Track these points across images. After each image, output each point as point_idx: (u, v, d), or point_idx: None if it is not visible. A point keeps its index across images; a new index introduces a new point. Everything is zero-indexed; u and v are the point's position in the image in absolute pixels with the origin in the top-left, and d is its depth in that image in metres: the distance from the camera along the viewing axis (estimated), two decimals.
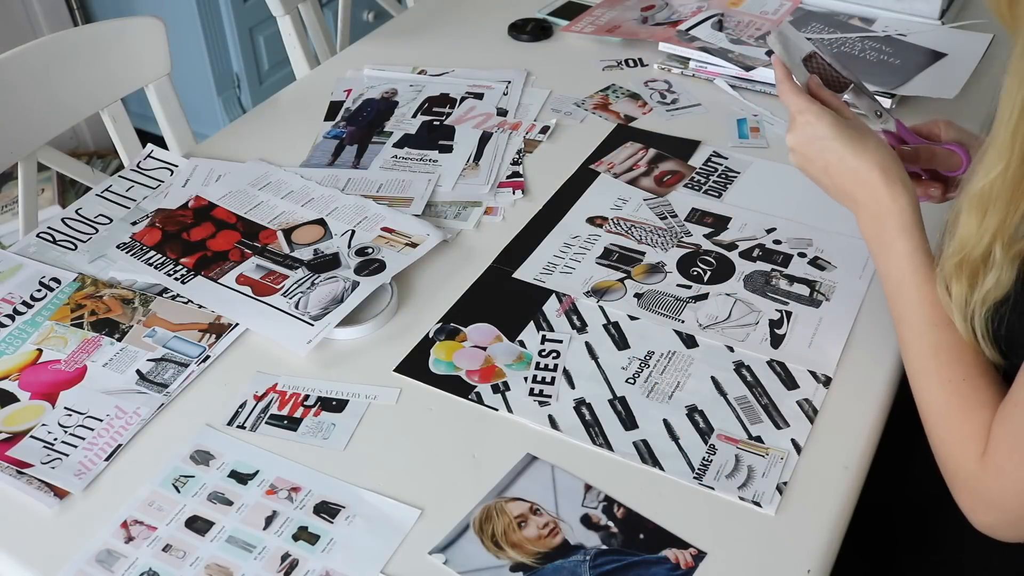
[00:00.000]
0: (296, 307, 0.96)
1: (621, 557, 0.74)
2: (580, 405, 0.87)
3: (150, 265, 1.03)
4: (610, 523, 0.76)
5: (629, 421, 0.85)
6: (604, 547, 0.75)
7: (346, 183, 1.15)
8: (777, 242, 1.06)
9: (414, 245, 1.02)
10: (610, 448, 0.83)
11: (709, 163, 1.19)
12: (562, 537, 0.75)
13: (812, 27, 1.47)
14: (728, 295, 0.99)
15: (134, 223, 1.10)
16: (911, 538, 0.93)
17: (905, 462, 0.91)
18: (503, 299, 0.99)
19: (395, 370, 0.91)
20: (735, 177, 1.17)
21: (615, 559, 0.74)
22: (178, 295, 0.99)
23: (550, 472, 0.81)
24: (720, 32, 1.45)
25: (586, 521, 0.77)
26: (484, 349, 0.93)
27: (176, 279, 1.01)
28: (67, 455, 0.83)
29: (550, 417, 0.85)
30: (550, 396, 0.88)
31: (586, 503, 0.78)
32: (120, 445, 0.84)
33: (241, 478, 0.81)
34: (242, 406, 0.87)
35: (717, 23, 1.47)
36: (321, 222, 1.08)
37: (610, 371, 0.90)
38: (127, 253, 1.05)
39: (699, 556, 0.74)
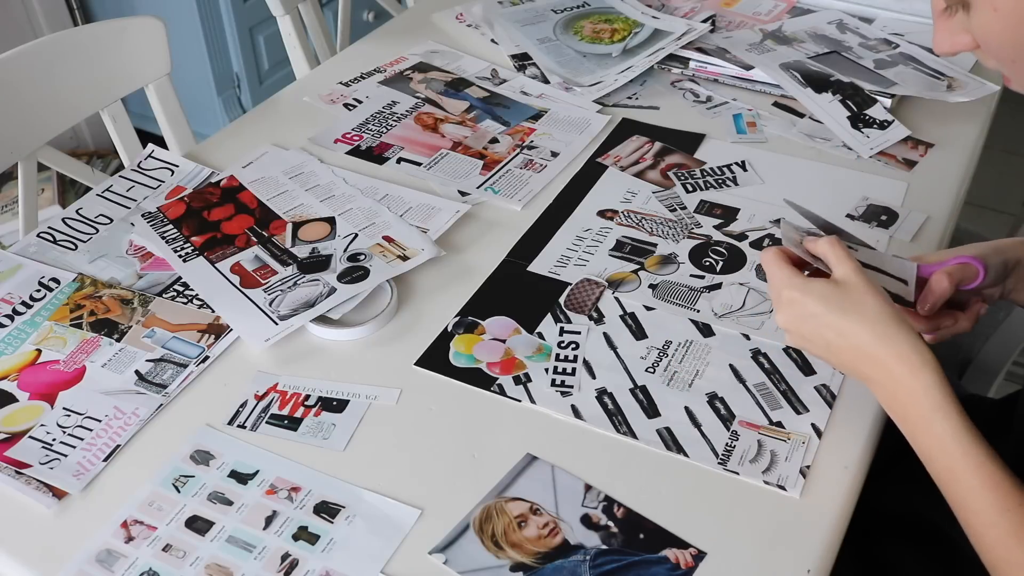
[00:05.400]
0: (270, 304, 0.96)
1: (621, 557, 0.74)
2: (602, 395, 0.87)
3: (163, 239, 1.05)
4: (610, 523, 0.76)
5: (651, 409, 0.86)
6: (604, 547, 0.75)
7: (383, 197, 1.12)
8: None
9: (405, 258, 1.02)
10: (634, 436, 0.83)
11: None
12: (562, 537, 0.75)
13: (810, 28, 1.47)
14: (741, 284, 0.99)
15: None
16: (908, 535, 0.93)
17: (900, 460, 0.90)
18: (519, 292, 1.00)
19: (416, 363, 0.91)
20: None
21: (615, 559, 0.74)
22: (177, 295, 0.99)
23: (550, 472, 0.81)
24: (713, 33, 1.45)
25: (586, 521, 0.77)
26: (503, 342, 0.93)
27: (180, 256, 1.03)
28: (66, 455, 0.83)
29: (573, 407, 0.86)
30: (572, 387, 0.88)
31: (586, 503, 0.78)
32: (119, 446, 0.84)
33: (241, 478, 0.81)
34: (243, 405, 0.87)
35: (711, 24, 1.47)
36: (331, 220, 1.08)
37: (629, 361, 0.91)
38: (148, 223, 1.08)
39: (699, 556, 0.74)
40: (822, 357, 0.79)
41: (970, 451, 0.70)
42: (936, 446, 0.71)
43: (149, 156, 1.21)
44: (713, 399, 0.87)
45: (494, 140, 1.24)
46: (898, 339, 0.73)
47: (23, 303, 0.99)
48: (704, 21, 1.46)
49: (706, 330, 0.94)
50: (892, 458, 0.89)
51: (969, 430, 0.70)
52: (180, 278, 1.01)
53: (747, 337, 0.93)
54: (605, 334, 0.94)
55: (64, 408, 0.87)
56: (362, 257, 1.02)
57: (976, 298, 0.86)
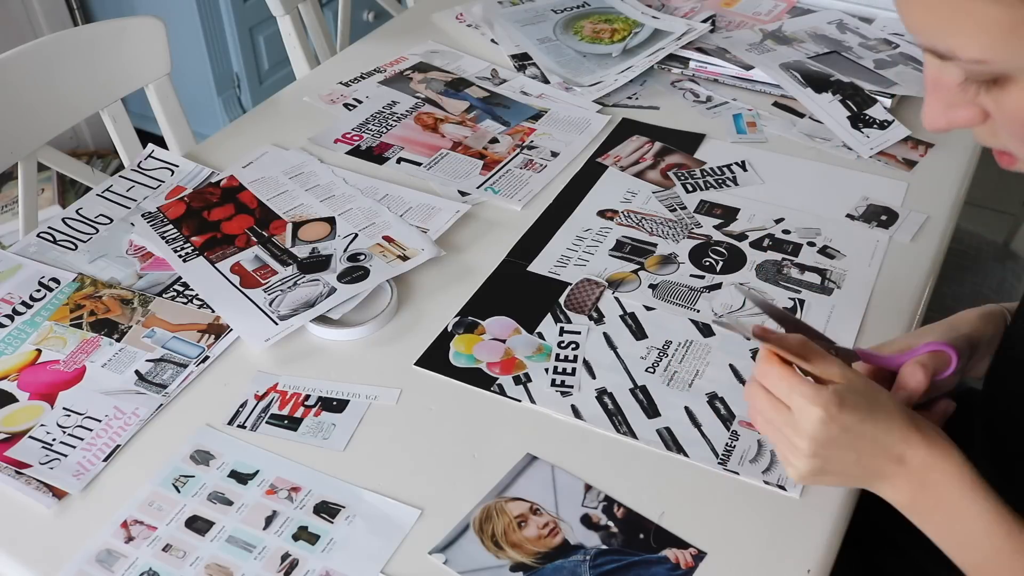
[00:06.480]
0: (270, 304, 0.96)
1: (621, 557, 0.74)
2: (602, 395, 0.87)
3: (163, 239, 1.06)
4: (610, 523, 0.76)
5: (651, 409, 0.86)
6: (604, 547, 0.75)
7: (383, 197, 1.13)
8: (786, 232, 1.07)
9: (405, 258, 1.02)
10: (634, 436, 0.83)
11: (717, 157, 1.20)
12: (562, 537, 0.75)
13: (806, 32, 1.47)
14: (741, 284, 0.99)
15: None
16: (906, 533, 0.93)
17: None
18: (519, 292, 1.00)
19: (416, 363, 0.91)
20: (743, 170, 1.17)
21: (615, 559, 0.74)
22: (177, 295, 0.99)
23: (550, 472, 0.81)
24: (713, 33, 1.45)
25: (586, 521, 0.77)
26: (503, 342, 0.93)
27: (180, 256, 1.03)
28: (65, 455, 0.83)
29: (573, 407, 0.86)
30: (572, 386, 0.88)
31: (586, 503, 0.78)
32: (119, 446, 0.84)
33: (241, 478, 0.81)
34: (243, 405, 0.87)
35: (711, 24, 1.47)
36: (331, 220, 1.08)
37: (629, 361, 0.91)
38: (148, 223, 1.08)
39: (699, 556, 0.74)
40: (843, 473, 0.69)
41: (1013, 530, 0.65)
42: (978, 528, 0.65)
43: (149, 156, 1.21)
44: (713, 399, 0.87)
45: (494, 140, 1.24)
46: (920, 422, 0.67)
47: (23, 303, 0.99)
48: (704, 21, 1.46)
49: (706, 330, 0.94)
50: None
51: (1007, 507, 0.65)
52: (180, 278, 1.01)
53: (747, 337, 0.93)
54: (605, 334, 0.94)
55: (64, 408, 0.87)
56: (362, 257, 1.02)
57: (941, 389, 0.77)
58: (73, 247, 1.07)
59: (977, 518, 0.65)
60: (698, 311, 0.96)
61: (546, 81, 1.37)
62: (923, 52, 0.56)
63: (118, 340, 0.94)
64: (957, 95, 0.56)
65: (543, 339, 0.94)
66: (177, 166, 1.20)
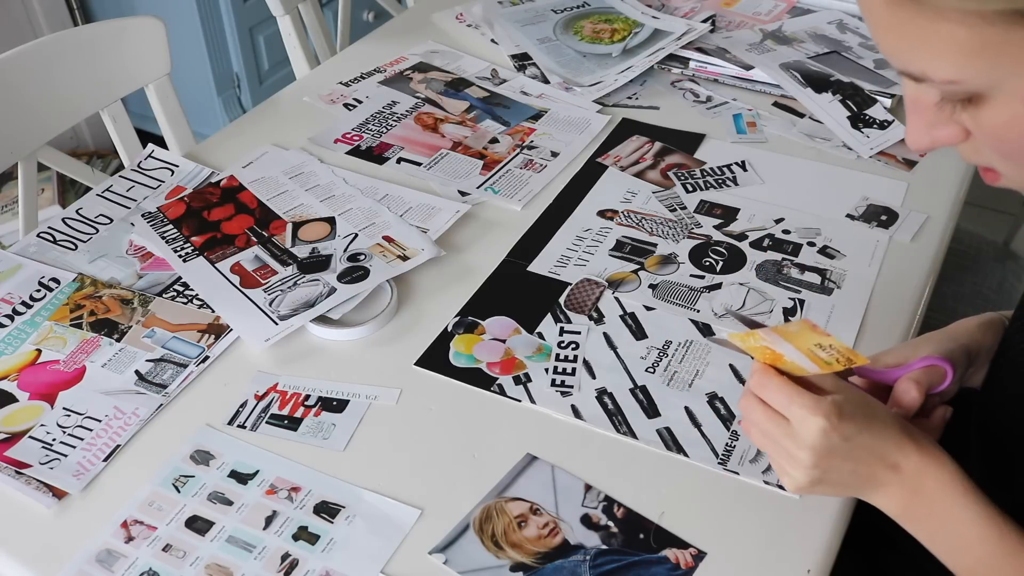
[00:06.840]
0: (270, 304, 0.96)
1: (621, 557, 0.74)
2: (602, 395, 0.87)
3: (163, 239, 1.06)
4: (610, 523, 0.76)
5: (651, 409, 0.86)
6: (604, 547, 0.75)
7: (383, 197, 1.13)
8: (786, 232, 1.07)
9: (405, 258, 1.02)
10: (634, 436, 0.83)
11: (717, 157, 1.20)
12: (562, 537, 0.75)
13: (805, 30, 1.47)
14: (741, 284, 1.00)
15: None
16: (905, 533, 0.92)
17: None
18: (519, 292, 1.00)
19: (416, 363, 0.91)
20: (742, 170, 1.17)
21: (615, 559, 0.74)
22: (177, 295, 0.99)
23: (550, 472, 0.81)
24: (713, 33, 1.45)
25: (586, 521, 0.77)
26: (503, 342, 0.93)
27: (180, 256, 1.03)
28: (65, 455, 0.83)
29: (573, 407, 0.86)
30: (572, 386, 0.88)
31: (586, 503, 0.78)
32: (119, 446, 0.84)
33: (241, 478, 0.81)
34: (243, 405, 0.87)
35: (711, 24, 1.47)
36: (331, 220, 1.08)
37: (629, 361, 0.91)
38: (148, 223, 1.08)
39: (699, 556, 0.74)
40: (839, 483, 0.69)
41: (1007, 534, 0.65)
42: (972, 533, 0.66)
43: (149, 156, 1.21)
44: (713, 399, 0.87)
45: (494, 140, 1.24)
46: (915, 434, 0.68)
47: (23, 303, 0.99)
48: (704, 21, 1.46)
49: (706, 330, 0.94)
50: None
51: (1000, 513, 0.66)
52: (180, 278, 1.02)
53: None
54: (605, 334, 0.94)
55: (64, 408, 0.87)
56: (362, 257, 1.02)
57: (937, 400, 0.77)
58: (73, 247, 1.07)
59: (970, 523, 0.66)
60: (698, 311, 0.96)
61: (546, 81, 1.37)
62: (899, 75, 0.57)
63: (118, 340, 0.94)
64: (937, 114, 0.58)
65: (543, 339, 0.94)
66: (177, 166, 1.20)
